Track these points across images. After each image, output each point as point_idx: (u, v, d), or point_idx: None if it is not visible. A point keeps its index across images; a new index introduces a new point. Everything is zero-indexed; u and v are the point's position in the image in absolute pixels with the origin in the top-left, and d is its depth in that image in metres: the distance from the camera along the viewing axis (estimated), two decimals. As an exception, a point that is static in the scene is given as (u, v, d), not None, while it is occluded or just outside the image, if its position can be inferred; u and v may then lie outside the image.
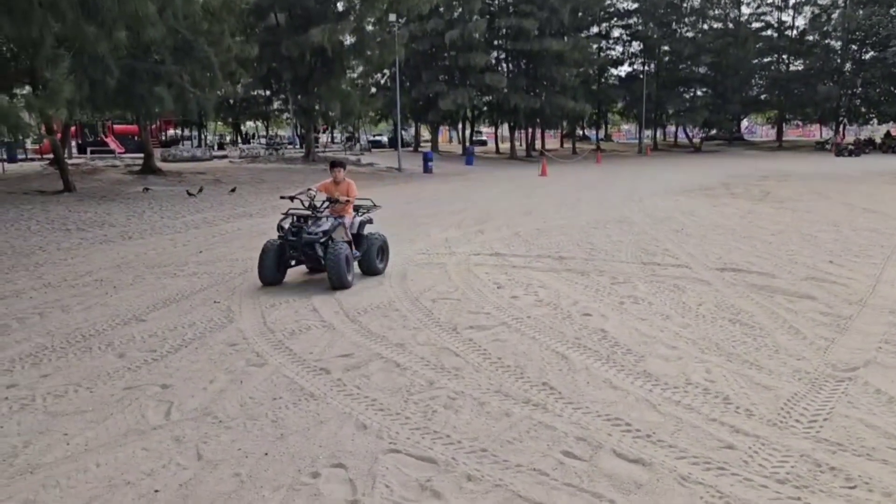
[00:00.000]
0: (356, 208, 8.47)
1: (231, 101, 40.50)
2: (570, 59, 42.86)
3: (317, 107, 32.91)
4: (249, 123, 72.38)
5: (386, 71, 40.04)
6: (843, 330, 6.00)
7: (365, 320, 6.34)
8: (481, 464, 3.57)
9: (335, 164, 8.16)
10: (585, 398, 4.46)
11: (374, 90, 40.56)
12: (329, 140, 62.09)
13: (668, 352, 5.41)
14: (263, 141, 56.54)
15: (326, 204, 7.81)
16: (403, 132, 40.67)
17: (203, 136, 60.07)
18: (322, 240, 7.45)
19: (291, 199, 7.82)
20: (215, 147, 46.49)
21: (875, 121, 55.24)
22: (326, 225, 7.52)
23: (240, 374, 4.88)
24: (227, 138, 65.14)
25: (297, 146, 47.29)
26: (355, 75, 34.82)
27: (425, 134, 59.67)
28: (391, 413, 4.22)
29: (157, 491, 3.28)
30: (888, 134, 50.12)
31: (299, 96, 33.44)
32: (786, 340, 5.70)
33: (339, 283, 7.36)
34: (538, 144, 51.44)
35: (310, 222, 7.48)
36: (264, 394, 4.54)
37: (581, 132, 67.12)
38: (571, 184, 24.57)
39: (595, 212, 15.02)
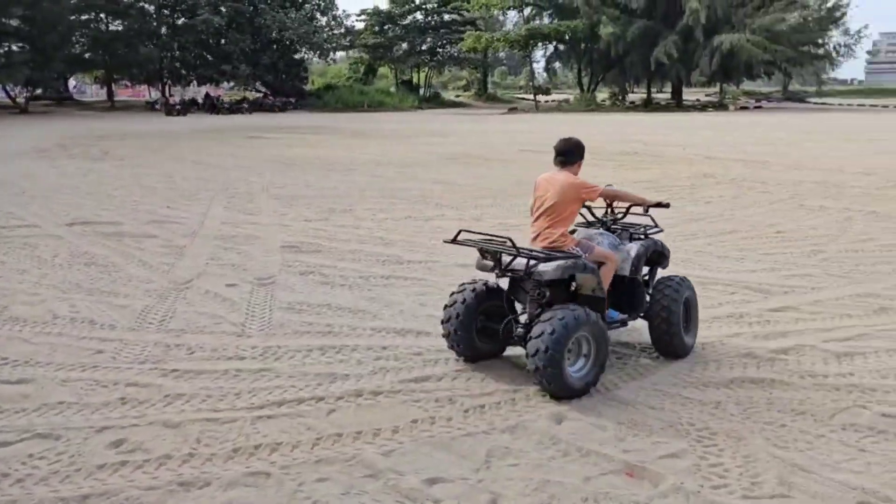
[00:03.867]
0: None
1: None
2: None
3: None
4: None
5: None
6: (180, 256, 7.47)
7: None
8: None
9: None
10: (-45, 350, 4.69)
11: None
12: None
13: (31, 298, 5.89)
14: None
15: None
16: None
17: None
18: None
19: None
20: None
21: (195, 82, 60.76)
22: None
23: None
24: None
25: None
26: None
27: None
28: None
29: None
30: (207, 95, 56.09)
31: None
32: (137, 271, 6.83)
33: None
34: None
35: None
36: None
37: None
38: None
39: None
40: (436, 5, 64.20)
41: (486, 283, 4.45)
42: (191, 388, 4.12)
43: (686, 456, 3.33)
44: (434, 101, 63.82)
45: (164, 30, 55.36)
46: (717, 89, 66.45)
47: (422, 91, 66.47)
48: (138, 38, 52.75)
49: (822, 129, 29.86)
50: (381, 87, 66.14)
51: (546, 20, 60.29)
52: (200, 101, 53.26)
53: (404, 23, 64.38)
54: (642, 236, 4.64)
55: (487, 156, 18.56)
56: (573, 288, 4.29)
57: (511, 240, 4.11)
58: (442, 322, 4.43)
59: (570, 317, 3.86)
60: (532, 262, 4.07)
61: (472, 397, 3.98)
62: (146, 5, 54.73)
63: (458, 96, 75.94)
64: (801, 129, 29.86)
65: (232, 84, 59.02)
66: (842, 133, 27.27)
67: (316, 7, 59.58)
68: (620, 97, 61.35)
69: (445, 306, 4.43)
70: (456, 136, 26.74)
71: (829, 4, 58.70)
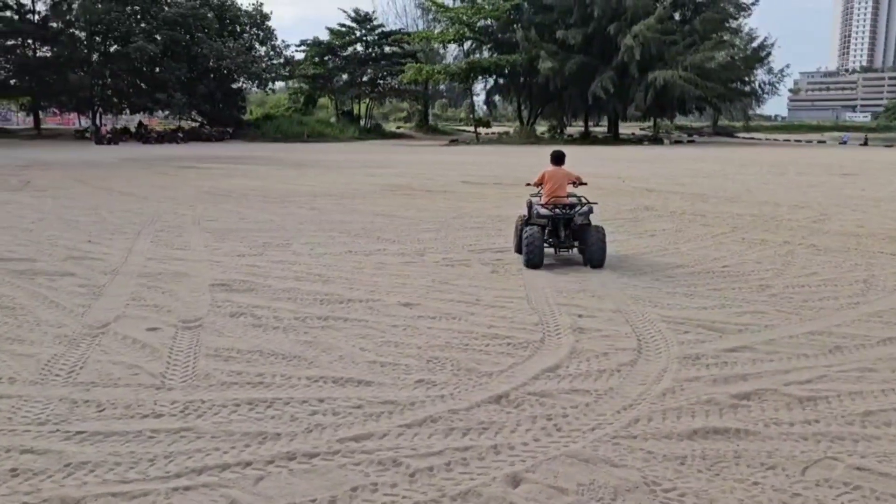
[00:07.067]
0: None
1: None
2: None
3: None
4: None
5: None
6: (98, 296, 6.86)
7: None
8: None
9: None
10: None
11: None
12: None
13: (-79, 347, 5.22)
14: None
15: None
16: None
17: None
18: None
19: None
20: None
21: (128, 111, 59.01)
22: None
23: None
24: None
25: None
26: None
27: None
28: None
29: None
30: (140, 123, 54.53)
31: None
32: (47, 314, 6.20)
33: None
34: None
35: None
36: None
37: None
38: None
39: None
40: (376, 38, 64.41)
41: (539, 224, 8.45)
42: (97, 455, 3.60)
43: (656, 523, 3.01)
44: (375, 132, 63.74)
45: (95, 57, 53.72)
46: (651, 123, 68.46)
47: (362, 122, 66.29)
48: (68, 65, 51.00)
49: (753, 163, 30.83)
50: (321, 117, 65.71)
51: (486, 54, 61.15)
52: (133, 129, 51.76)
53: (345, 54, 64.30)
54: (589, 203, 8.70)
55: (429, 187, 18.33)
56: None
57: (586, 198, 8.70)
58: (527, 247, 8.17)
59: (602, 231, 8.42)
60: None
61: (419, 457, 3.59)
62: (77, 32, 53.03)
63: (398, 127, 76.11)
64: (733, 163, 30.77)
65: (167, 113, 57.53)
66: (771, 166, 28.17)
67: (255, 37, 59.00)
68: (559, 130, 62.51)
69: (526, 242, 8.21)
70: (397, 167, 26.48)
71: (755, 45, 61.46)
